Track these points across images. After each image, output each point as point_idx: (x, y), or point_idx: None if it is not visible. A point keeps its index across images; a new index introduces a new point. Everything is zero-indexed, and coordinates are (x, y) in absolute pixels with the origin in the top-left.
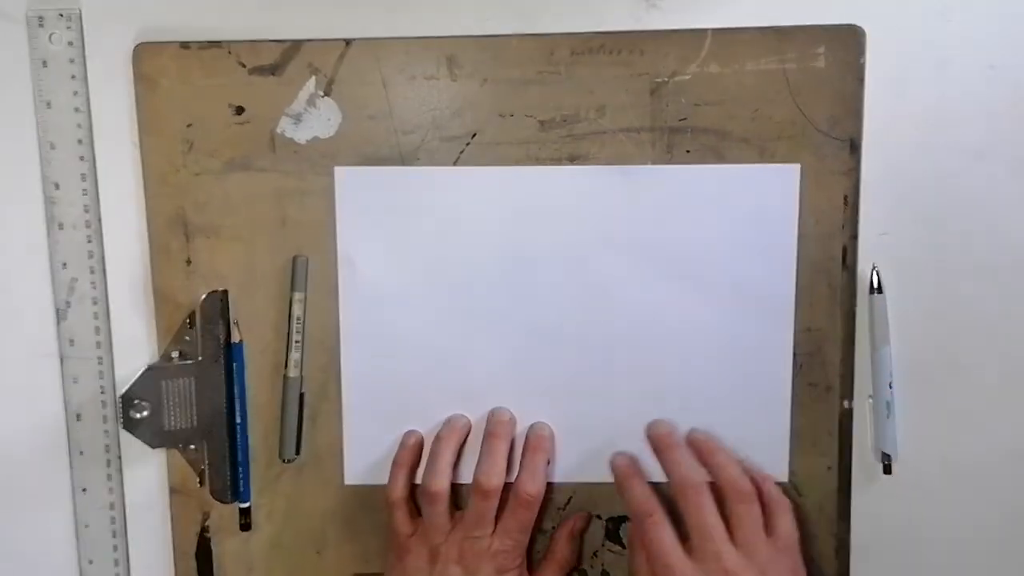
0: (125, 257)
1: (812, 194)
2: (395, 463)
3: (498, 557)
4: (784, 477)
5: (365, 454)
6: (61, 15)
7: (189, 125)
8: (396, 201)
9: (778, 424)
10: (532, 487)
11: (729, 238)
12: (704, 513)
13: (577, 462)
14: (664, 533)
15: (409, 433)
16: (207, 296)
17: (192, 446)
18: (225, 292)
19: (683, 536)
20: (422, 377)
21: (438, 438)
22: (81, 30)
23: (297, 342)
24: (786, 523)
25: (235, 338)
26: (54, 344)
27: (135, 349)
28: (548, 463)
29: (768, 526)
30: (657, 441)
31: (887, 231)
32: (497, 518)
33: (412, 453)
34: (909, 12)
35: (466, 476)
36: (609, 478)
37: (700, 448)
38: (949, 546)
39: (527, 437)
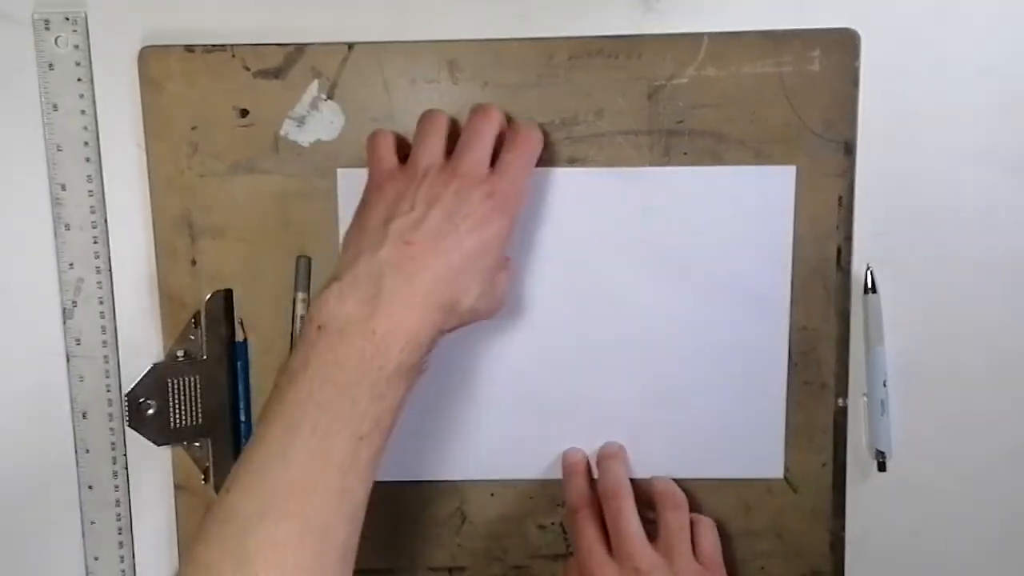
0: (131, 257)
1: (807, 196)
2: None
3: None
4: (780, 473)
5: None
6: (67, 18)
7: (194, 128)
8: None
9: (774, 421)
10: (534, 127)
11: (726, 239)
12: (623, 518)
13: None
14: (588, 528)
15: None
16: (212, 296)
17: (197, 443)
18: (230, 292)
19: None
20: (420, 376)
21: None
22: (87, 33)
23: None
24: (709, 539)
25: (239, 337)
26: (61, 343)
27: (141, 348)
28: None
29: (692, 543)
30: (600, 454)
31: (881, 232)
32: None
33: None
34: (903, 16)
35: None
36: None
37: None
38: (943, 542)
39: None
